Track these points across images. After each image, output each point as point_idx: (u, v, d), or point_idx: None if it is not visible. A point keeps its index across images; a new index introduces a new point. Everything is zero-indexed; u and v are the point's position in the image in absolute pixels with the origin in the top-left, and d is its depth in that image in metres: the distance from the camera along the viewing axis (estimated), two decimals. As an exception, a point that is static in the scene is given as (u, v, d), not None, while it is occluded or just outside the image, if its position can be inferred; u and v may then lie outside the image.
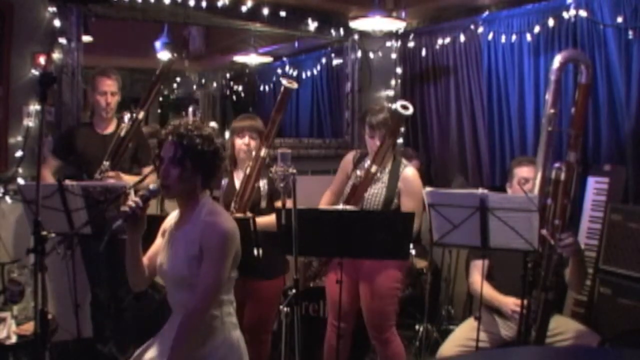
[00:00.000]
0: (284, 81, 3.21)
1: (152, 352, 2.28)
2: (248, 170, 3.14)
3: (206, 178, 2.28)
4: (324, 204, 3.42)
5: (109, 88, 3.56)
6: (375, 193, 3.19)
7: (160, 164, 2.26)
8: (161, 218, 2.50)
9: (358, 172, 3.19)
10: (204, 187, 2.30)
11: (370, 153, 3.24)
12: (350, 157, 3.43)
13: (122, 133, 3.49)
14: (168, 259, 2.28)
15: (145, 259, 2.37)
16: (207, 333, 2.21)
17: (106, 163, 3.41)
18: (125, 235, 2.30)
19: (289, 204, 2.63)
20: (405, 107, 3.11)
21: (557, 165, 2.77)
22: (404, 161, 3.27)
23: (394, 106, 3.16)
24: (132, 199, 2.23)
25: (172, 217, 2.40)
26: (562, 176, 2.73)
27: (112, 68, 3.65)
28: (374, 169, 3.15)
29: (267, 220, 3.07)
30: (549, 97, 2.91)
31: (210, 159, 2.25)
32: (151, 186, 2.25)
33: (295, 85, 3.24)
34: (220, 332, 2.24)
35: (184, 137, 2.20)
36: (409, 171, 3.21)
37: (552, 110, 2.90)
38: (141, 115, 3.55)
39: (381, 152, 3.15)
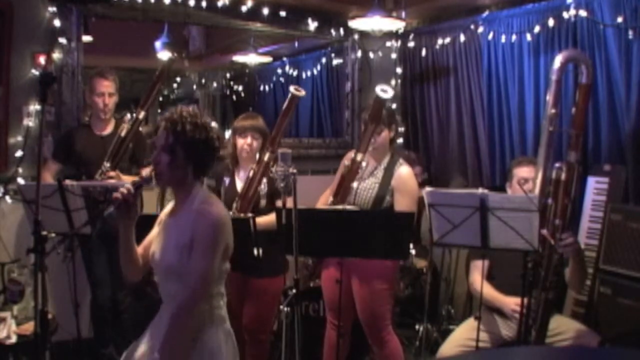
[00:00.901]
0: (292, 88, 3.23)
1: (143, 347, 2.26)
2: (251, 174, 3.15)
3: (198, 168, 2.24)
4: (321, 203, 3.43)
5: (106, 89, 3.55)
6: (368, 188, 3.19)
7: (152, 151, 2.23)
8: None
9: (346, 162, 3.20)
10: (196, 177, 2.25)
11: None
12: (350, 156, 3.44)
13: (123, 133, 3.48)
14: (160, 248, 2.26)
15: (140, 248, 2.33)
16: (195, 326, 2.18)
17: (107, 164, 3.41)
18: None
19: (289, 203, 2.64)
20: (384, 91, 3.12)
21: (557, 165, 2.77)
22: (400, 160, 3.27)
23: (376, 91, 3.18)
24: (126, 186, 2.20)
25: (168, 206, 2.38)
26: (563, 176, 2.74)
27: (109, 69, 3.64)
28: (359, 157, 3.14)
29: (267, 220, 3.08)
30: (549, 97, 2.92)
31: (202, 148, 2.21)
32: (143, 172, 2.23)
33: (302, 93, 3.26)
34: (209, 326, 2.22)
35: (177, 124, 2.17)
36: (404, 170, 3.21)
37: (553, 111, 2.90)
38: (142, 115, 3.54)
39: (365, 138, 3.14)
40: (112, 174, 3.38)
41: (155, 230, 2.36)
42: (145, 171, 2.25)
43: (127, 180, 3.36)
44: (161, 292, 2.30)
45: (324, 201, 3.42)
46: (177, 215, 2.26)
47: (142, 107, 3.56)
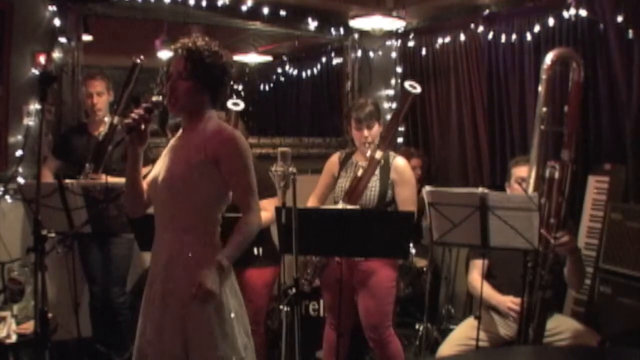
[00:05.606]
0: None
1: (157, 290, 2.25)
2: None
3: (214, 94, 2.26)
4: None
5: (94, 89, 3.58)
6: (371, 187, 3.18)
7: (168, 79, 2.24)
8: None
9: (361, 163, 3.19)
10: (212, 103, 2.27)
11: (359, 146, 3.23)
12: (335, 158, 3.40)
13: (100, 137, 3.51)
14: (167, 168, 2.23)
15: (145, 184, 2.31)
16: (204, 252, 2.16)
17: (87, 165, 3.40)
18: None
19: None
20: (412, 86, 3.15)
21: (551, 163, 2.77)
22: (392, 152, 3.28)
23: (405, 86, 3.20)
24: (136, 111, 2.20)
25: (176, 136, 2.36)
26: (556, 175, 2.74)
27: (100, 69, 3.68)
28: (378, 154, 3.14)
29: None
30: (541, 95, 2.92)
31: (219, 74, 2.23)
32: (154, 98, 2.23)
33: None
34: (206, 249, 2.19)
35: (193, 51, 2.19)
36: (399, 161, 3.23)
37: (544, 109, 2.90)
38: (115, 120, 3.52)
39: (388, 135, 3.16)
40: (93, 176, 3.36)
41: (161, 161, 2.32)
42: (156, 97, 2.24)
43: (115, 182, 3.34)
44: (159, 220, 2.25)
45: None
46: (188, 138, 2.26)
47: (116, 112, 3.57)
